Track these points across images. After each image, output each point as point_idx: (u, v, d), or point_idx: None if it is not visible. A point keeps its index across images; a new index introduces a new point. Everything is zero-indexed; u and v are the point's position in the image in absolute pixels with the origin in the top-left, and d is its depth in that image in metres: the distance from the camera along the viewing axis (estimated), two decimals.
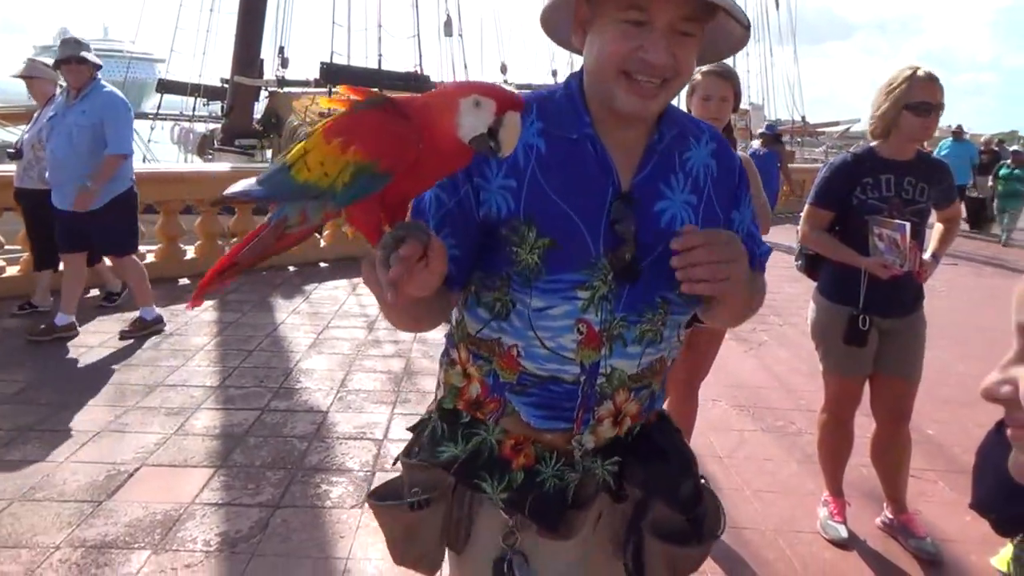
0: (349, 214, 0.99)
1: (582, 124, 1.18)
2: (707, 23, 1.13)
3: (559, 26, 1.24)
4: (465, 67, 23.19)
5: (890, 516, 3.12)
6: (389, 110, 0.95)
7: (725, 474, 3.51)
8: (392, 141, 0.92)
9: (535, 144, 1.17)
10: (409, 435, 1.36)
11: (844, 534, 3.02)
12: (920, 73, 2.68)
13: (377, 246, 0.94)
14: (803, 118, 30.86)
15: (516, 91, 1.01)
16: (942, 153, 11.81)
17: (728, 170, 1.28)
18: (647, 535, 1.27)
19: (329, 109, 1.05)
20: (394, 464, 1.37)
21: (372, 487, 1.37)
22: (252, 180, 1.06)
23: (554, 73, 27.83)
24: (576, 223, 1.14)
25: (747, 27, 1.17)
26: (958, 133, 12.56)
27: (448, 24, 21.31)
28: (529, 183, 1.15)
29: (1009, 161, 12.72)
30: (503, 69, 24.46)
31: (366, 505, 2.74)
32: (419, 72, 18.54)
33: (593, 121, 1.18)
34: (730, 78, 2.90)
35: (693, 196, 1.22)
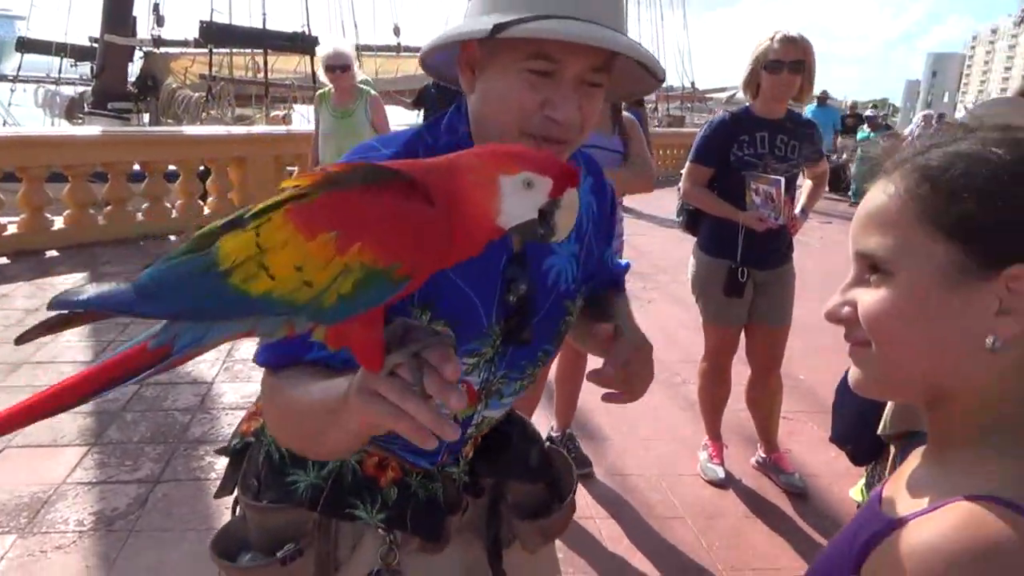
0: (337, 332, 0.74)
1: None
2: (613, 70, 1.03)
3: (440, 63, 1.11)
4: (356, 28, 22.49)
5: (763, 455, 3.33)
6: (404, 190, 0.70)
7: (615, 426, 3.64)
8: (416, 237, 0.69)
9: None
10: None
11: (722, 474, 3.21)
12: (778, 36, 2.81)
13: (387, 368, 0.73)
14: (692, 84, 31.76)
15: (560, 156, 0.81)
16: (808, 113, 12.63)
17: (604, 202, 1.24)
18: (511, 519, 1.26)
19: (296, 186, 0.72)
20: (234, 510, 1.20)
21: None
22: (116, 286, 0.72)
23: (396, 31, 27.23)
24: (472, 299, 1.04)
25: (661, 80, 1.08)
26: (822, 99, 12.98)
27: None
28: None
29: (866, 125, 13.71)
30: (396, 31, 23.80)
31: None
32: (306, 32, 17.84)
33: None
34: None
35: (576, 245, 1.17)
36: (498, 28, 0.92)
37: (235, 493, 1.20)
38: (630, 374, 1.09)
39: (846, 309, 0.72)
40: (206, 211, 7.97)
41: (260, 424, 1.18)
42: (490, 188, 0.71)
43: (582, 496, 3.00)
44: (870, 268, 0.70)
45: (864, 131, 13.37)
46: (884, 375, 0.71)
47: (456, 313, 1.02)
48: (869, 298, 0.69)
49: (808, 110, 11.97)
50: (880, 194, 0.70)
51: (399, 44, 23.33)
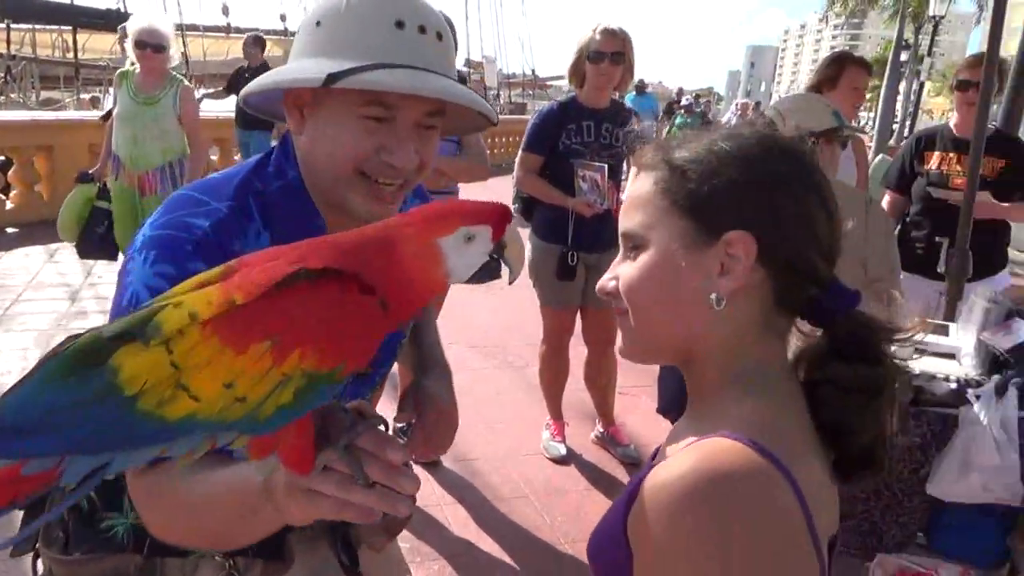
0: (263, 440, 0.67)
1: (316, 229, 1.00)
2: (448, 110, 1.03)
3: (260, 99, 1.06)
4: (179, 7, 21.03)
5: (601, 430, 3.50)
6: (336, 282, 0.64)
7: (461, 410, 3.67)
8: (359, 331, 0.65)
9: None
10: None
11: (563, 451, 3.34)
12: (599, 28, 2.94)
13: (319, 468, 0.68)
14: (533, 71, 32.45)
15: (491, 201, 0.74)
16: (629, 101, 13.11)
17: None
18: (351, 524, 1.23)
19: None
20: (35, 567, 1.11)
21: None
22: None
23: (283, 17, 26.18)
24: None
25: (495, 124, 1.10)
26: (640, 87, 13.31)
27: None
28: None
29: (683, 112, 14.58)
30: (225, 11, 22.47)
31: None
32: (122, 10, 16.45)
33: (326, 223, 1.02)
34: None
35: None
36: (332, 78, 0.89)
37: (36, 548, 1.10)
38: (433, 438, 1.12)
39: (612, 283, 0.81)
40: (8, 205, 7.20)
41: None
42: (431, 255, 0.68)
43: (429, 484, 3.02)
44: (631, 247, 0.79)
45: (681, 117, 14.18)
46: (640, 339, 0.80)
47: None
48: (628, 270, 0.79)
49: (628, 98, 12.53)
50: (639, 184, 0.80)
51: (228, 24, 22.05)
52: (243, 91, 1.03)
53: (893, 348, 0.74)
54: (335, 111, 0.95)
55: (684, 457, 0.68)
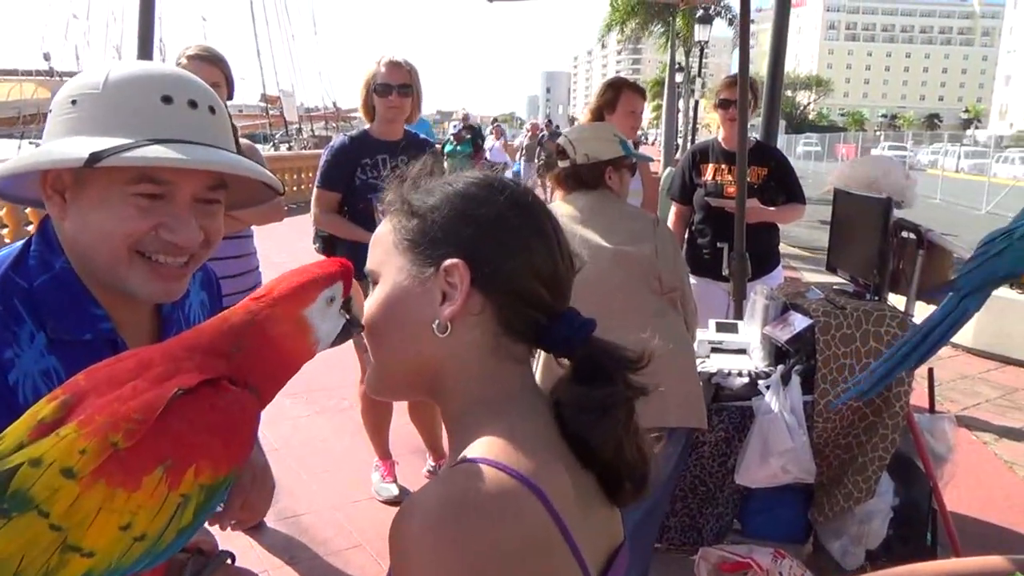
0: None
1: (94, 319, 0.93)
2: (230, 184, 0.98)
3: (10, 185, 0.97)
4: None
5: (433, 464, 3.44)
6: (216, 387, 0.63)
7: (282, 465, 3.46)
8: (246, 428, 0.64)
9: (50, 368, 0.89)
10: None
11: (395, 491, 3.24)
12: (384, 60, 2.93)
13: None
14: (335, 103, 31.97)
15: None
16: (420, 130, 12.66)
17: (213, 292, 1.21)
18: None
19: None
20: None
21: None
22: None
23: (47, 56, 23.83)
24: None
25: (282, 193, 1.07)
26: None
27: None
28: None
29: (453, 138, 14.06)
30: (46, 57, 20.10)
31: None
32: None
33: (105, 311, 0.95)
34: (218, 63, 2.78)
35: None
36: (95, 157, 0.82)
37: None
38: (249, 507, 1.06)
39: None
40: None
41: None
42: (301, 328, 0.70)
43: (251, 550, 2.80)
44: (372, 283, 0.82)
45: (451, 145, 13.00)
46: (380, 370, 0.82)
47: None
48: (366, 303, 0.82)
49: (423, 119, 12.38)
50: (381, 225, 0.84)
51: (51, 69, 19.77)
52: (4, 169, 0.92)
53: (630, 374, 0.78)
54: (102, 193, 0.89)
55: (428, 487, 0.69)
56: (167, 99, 0.90)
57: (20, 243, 0.97)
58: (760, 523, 2.46)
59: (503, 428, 0.72)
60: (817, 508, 2.39)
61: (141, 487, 0.58)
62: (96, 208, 0.89)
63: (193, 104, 0.92)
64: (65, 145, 0.87)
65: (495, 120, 19.62)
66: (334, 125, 29.47)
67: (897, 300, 2.58)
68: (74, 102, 0.90)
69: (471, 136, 13.37)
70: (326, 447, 3.72)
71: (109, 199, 0.89)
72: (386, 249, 0.81)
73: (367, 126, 3.09)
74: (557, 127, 21.75)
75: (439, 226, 0.78)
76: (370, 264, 0.83)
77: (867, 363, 2.35)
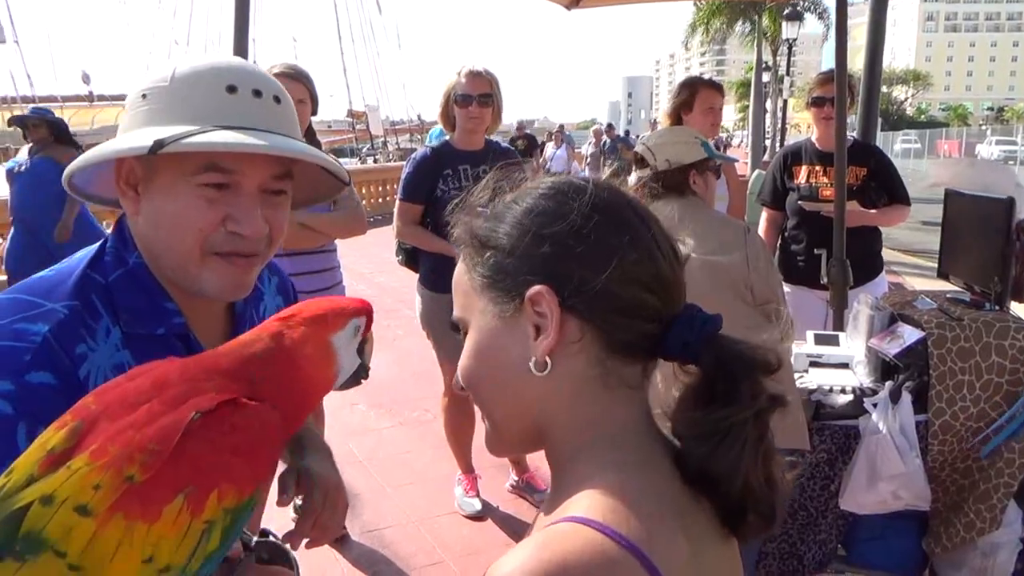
0: None
1: (167, 314, 0.94)
2: (296, 176, 0.97)
3: (86, 182, 0.98)
4: (29, 78, 19.99)
5: (516, 478, 3.37)
6: (234, 406, 0.60)
7: (365, 477, 3.48)
8: (268, 447, 0.62)
9: (124, 362, 0.89)
10: None
11: (478, 507, 3.19)
12: (464, 71, 2.89)
13: None
14: (419, 116, 32.58)
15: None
16: (433, 140, 11.94)
17: (290, 301, 1.19)
18: None
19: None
20: None
21: None
22: None
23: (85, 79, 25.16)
24: None
25: (347, 183, 1.05)
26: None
27: None
28: None
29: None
30: (86, 79, 21.54)
31: None
32: None
33: (178, 306, 0.95)
34: (301, 79, 2.82)
35: None
36: (159, 144, 0.82)
37: None
38: (320, 525, 1.03)
39: (458, 374, 0.76)
40: None
41: None
42: (327, 354, 0.68)
43: (336, 564, 2.81)
44: (464, 333, 0.74)
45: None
46: (492, 428, 0.74)
47: None
48: (461, 357, 0.74)
49: (432, 133, 11.67)
50: (458, 263, 0.75)
51: (91, 93, 21.14)
52: (65, 172, 0.94)
53: (765, 378, 0.67)
54: (170, 184, 0.88)
55: (524, 546, 0.61)
56: (231, 88, 0.90)
57: (99, 243, 0.98)
58: (869, 552, 2.27)
59: (613, 480, 0.63)
60: (933, 538, 2.18)
61: (161, 518, 0.55)
62: (165, 201, 0.89)
63: (257, 93, 0.92)
64: (133, 136, 0.88)
65: (561, 127, 18.87)
66: (418, 137, 30.06)
67: (1021, 310, 2.35)
68: (144, 96, 0.91)
69: (527, 146, 12.99)
70: (409, 460, 3.72)
71: (177, 191, 0.88)
72: (466, 292, 0.73)
73: (447, 137, 3.07)
74: (627, 133, 21.18)
75: (511, 253, 0.69)
76: (456, 312, 0.75)
77: (989, 380, 2.14)
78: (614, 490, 0.63)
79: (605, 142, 15.07)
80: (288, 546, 0.83)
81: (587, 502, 0.62)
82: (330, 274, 2.93)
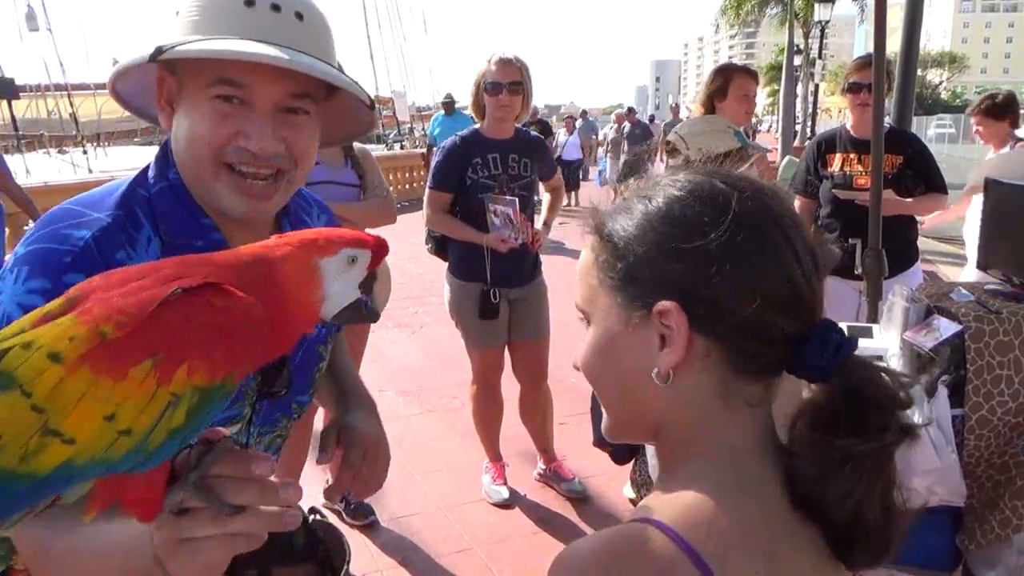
0: (107, 487, 0.60)
1: (204, 228, 0.96)
2: (324, 101, 0.97)
3: (136, 95, 1.01)
4: (61, 65, 20.28)
5: (543, 467, 3.38)
6: (219, 289, 0.60)
7: (394, 464, 3.48)
8: (246, 333, 0.60)
9: None
10: None
11: (506, 494, 3.21)
12: (495, 58, 2.88)
13: (169, 509, 0.63)
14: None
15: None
16: (436, 130, 10.81)
17: None
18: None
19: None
20: None
21: None
22: None
23: (115, 62, 25.58)
24: None
25: (372, 106, 1.04)
26: (448, 105, 11.46)
27: (31, 16, 18.34)
28: None
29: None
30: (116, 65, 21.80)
31: None
32: (3, 76, 15.77)
33: (214, 221, 0.97)
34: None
35: None
36: (159, 51, 0.84)
37: None
38: (362, 479, 1.08)
39: (574, 358, 0.77)
40: None
41: None
42: (310, 275, 0.65)
43: (365, 549, 2.84)
44: (587, 321, 0.75)
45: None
46: (612, 419, 0.75)
47: None
48: (582, 346, 0.74)
49: (437, 118, 10.94)
50: (584, 250, 0.75)
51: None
52: (109, 80, 0.98)
53: (898, 411, 0.64)
54: (192, 98, 0.91)
55: (599, 536, 0.64)
56: (249, 3, 0.91)
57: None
58: (902, 548, 2.25)
59: (708, 496, 0.63)
60: (967, 534, 2.15)
61: (127, 377, 0.55)
62: (187, 114, 0.92)
63: (276, 8, 0.91)
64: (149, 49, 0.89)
65: (584, 112, 18.08)
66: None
67: None
68: (177, 13, 0.93)
69: (540, 132, 12.53)
70: (436, 447, 3.74)
71: (197, 103, 0.90)
72: (592, 286, 0.72)
73: (476, 125, 3.06)
74: (651, 118, 20.60)
75: (644, 262, 0.67)
76: (579, 301, 0.75)
77: None
78: (705, 506, 0.63)
79: (625, 127, 14.62)
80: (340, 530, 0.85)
81: (675, 508, 0.63)
82: None
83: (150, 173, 0.98)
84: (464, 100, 3.24)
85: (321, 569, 1.22)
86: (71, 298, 0.61)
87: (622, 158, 13.84)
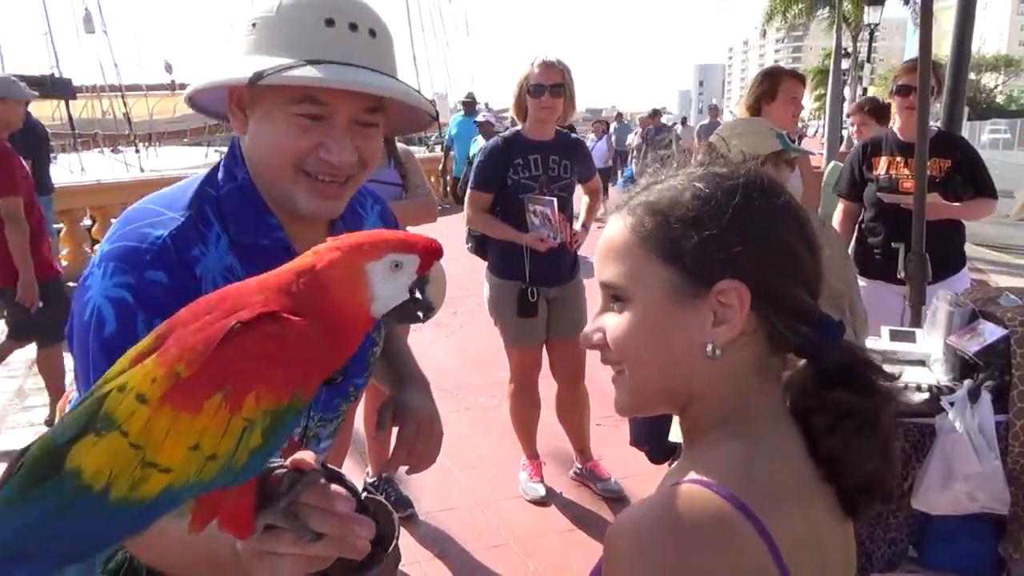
0: (207, 505, 0.67)
1: (269, 227, 1.03)
2: (388, 109, 1.04)
3: (208, 102, 1.09)
4: (116, 67, 20.89)
5: (580, 466, 3.40)
6: (267, 317, 0.66)
7: None
8: (304, 356, 0.66)
9: (232, 266, 1.00)
10: None
11: (542, 492, 3.23)
12: (537, 61, 2.92)
13: (259, 530, 0.70)
14: (487, 105, 32.63)
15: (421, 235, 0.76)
16: (453, 130, 10.77)
17: (389, 225, 1.27)
18: None
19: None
20: None
21: None
22: None
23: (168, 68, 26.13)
24: None
25: (436, 116, 1.12)
26: (468, 105, 11.17)
27: (88, 19, 18.94)
28: None
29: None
30: (168, 68, 22.40)
31: None
32: (56, 75, 16.30)
33: (280, 220, 1.04)
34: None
35: None
36: (259, 76, 0.90)
37: None
38: (417, 454, 1.13)
39: (597, 335, 0.79)
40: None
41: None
42: (359, 279, 0.69)
43: (406, 540, 2.90)
44: (612, 297, 0.77)
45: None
46: (635, 393, 0.78)
47: None
48: (614, 323, 0.76)
49: (455, 119, 10.77)
50: (614, 229, 0.77)
51: (173, 82, 21.97)
52: (187, 91, 1.04)
53: (880, 379, 0.73)
54: (270, 111, 0.96)
55: (649, 501, 0.67)
56: (330, 22, 0.95)
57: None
58: (942, 553, 2.21)
59: (739, 452, 0.69)
60: (1012, 543, 2.11)
61: (203, 411, 0.62)
62: (266, 125, 0.97)
63: (353, 27, 0.96)
64: (238, 64, 0.95)
65: (620, 115, 17.34)
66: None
67: None
68: (254, 25, 0.98)
69: None
70: (473, 444, 3.79)
71: (275, 117, 0.96)
72: (635, 264, 0.74)
73: (519, 127, 3.10)
74: (683, 120, 19.97)
75: (704, 239, 0.71)
76: (610, 278, 0.76)
77: None
78: (740, 458, 0.68)
79: (649, 130, 14.14)
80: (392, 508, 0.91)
81: (712, 469, 0.67)
82: None
83: (219, 174, 1.04)
84: (505, 103, 3.26)
85: (371, 543, 1.29)
86: (159, 335, 0.68)
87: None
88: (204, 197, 1.02)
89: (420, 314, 0.74)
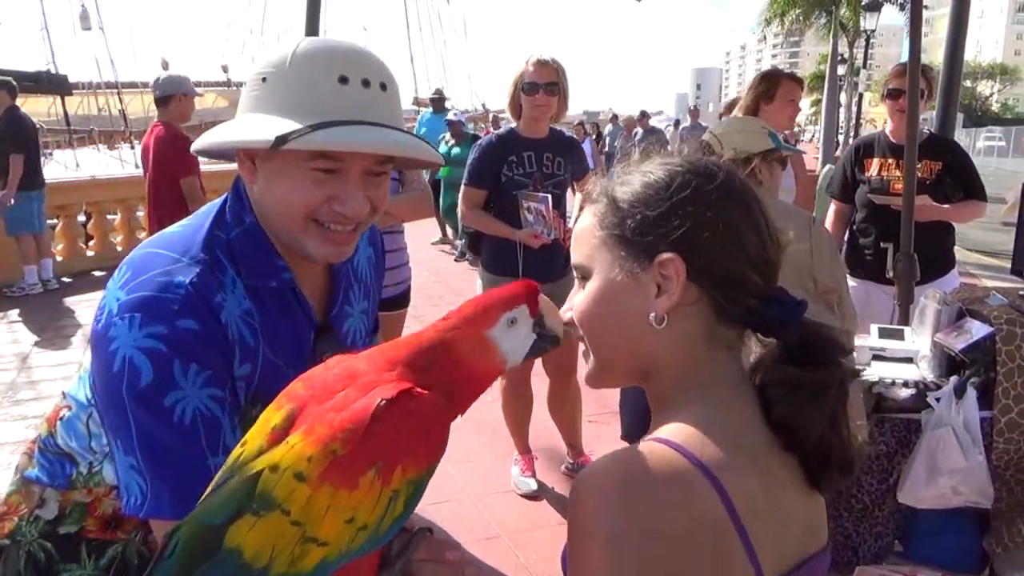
0: (355, 567, 0.73)
1: (278, 269, 1.05)
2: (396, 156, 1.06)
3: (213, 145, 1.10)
4: (112, 64, 20.86)
5: (571, 461, 3.43)
6: (412, 395, 0.72)
7: None
8: (440, 430, 0.73)
9: (250, 309, 1.02)
10: None
11: (534, 486, 3.27)
12: (532, 59, 2.95)
13: None
14: (484, 105, 32.69)
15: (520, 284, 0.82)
16: (422, 128, 9.80)
17: (378, 248, 1.30)
18: None
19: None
20: None
21: None
22: None
23: (224, 68, 26.19)
24: (292, 379, 1.01)
25: (442, 164, 1.15)
26: (437, 102, 10.77)
27: (84, 16, 18.94)
28: (263, 364, 1.02)
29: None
30: (164, 65, 22.37)
31: None
32: (52, 71, 16.28)
33: (287, 263, 1.06)
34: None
35: (365, 301, 1.23)
36: (281, 140, 0.91)
37: None
38: None
39: (568, 313, 0.85)
40: (90, 253, 6.94)
41: (15, 524, 1.09)
42: (485, 348, 0.76)
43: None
44: (581, 278, 0.84)
45: (444, 145, 9.85)
46: (599, 365, 0.84)
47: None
48: (578, 299, 0.84)
49: (424, 116, 10.19)
50: (583, 218, 0.85)
51: (228, 80, 22.01)
52: (194, 146, 1.07)
53: (844, 357, 0.77)
54: (285, 165, 0.97)
55: (612, 455, 0.71)
56: (343, 79, 0.96)
57: (219, 200, 1.08)
58: (927, 547, 2.25)
59: (698, 415, 0.74)
60: (995, 537, 2.15)
61: (359, 487, 0.67)
62: (280, 178, 0.99)
63: (366, 83, 0.98)
64: (255, 124, 0.96)
65: (615, 117, 16.72)
66: (482, 126, 30.15)
67: None
68: (264, 79, 0.99)
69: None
70: (466, 439, 3.81)
71: (290, 172, 0.97)
72: (594, 245, 0.82)
73: (513, 125, 3.13)
74: (676, 123, 19.74)
75: (650, 220, 0.78)
76: (576, 258, 0.84)
77: None
78: (697, 421, 0.72)
79: (636, 132, 13.76)
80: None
81: (671, 429, 0.73)
82: (399, 254, 3.05)
83: (228, 217, 1.05)
84: (502, 104, 3.29)
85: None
86: (290, 411, 0.73)
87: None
88: (215, 242, 1.02)
89: (548, 345, 0.81)
